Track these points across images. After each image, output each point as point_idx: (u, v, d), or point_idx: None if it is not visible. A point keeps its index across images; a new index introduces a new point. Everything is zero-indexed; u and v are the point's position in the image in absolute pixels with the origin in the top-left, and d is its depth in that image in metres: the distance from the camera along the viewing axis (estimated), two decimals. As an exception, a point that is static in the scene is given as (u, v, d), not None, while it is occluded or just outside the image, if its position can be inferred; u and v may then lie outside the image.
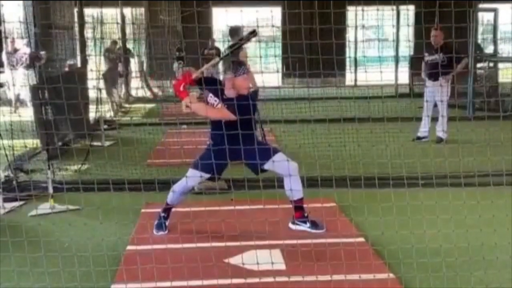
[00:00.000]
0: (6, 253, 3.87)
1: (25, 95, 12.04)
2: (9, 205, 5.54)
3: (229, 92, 4.56)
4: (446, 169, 4.41)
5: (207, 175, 4.63)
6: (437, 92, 7.39)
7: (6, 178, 6.12)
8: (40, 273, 3.75)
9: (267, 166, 4.58)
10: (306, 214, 4.75)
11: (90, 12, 11.22)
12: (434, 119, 7.36)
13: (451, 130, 4.33)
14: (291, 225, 4.78)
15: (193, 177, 4.60)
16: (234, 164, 4.66)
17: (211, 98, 4.59)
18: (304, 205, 4.75)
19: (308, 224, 4.72)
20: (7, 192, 5.71)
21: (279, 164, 4.51)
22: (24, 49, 11.73)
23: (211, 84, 4.61)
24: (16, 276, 3.72)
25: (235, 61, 4.87)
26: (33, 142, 7.61)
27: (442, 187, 4.34)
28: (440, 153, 4.43)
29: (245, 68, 4.56)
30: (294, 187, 4.55)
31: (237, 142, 4.12)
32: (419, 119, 5.14)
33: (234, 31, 7.46)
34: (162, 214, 4.80)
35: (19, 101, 12.11)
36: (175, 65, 12.72)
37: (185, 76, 4.49)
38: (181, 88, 4.45)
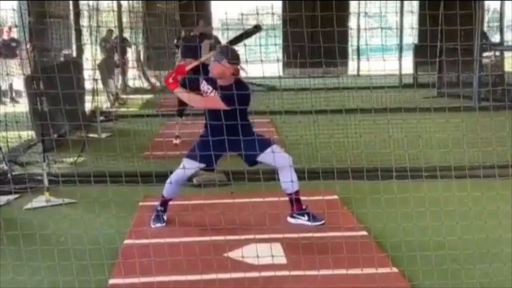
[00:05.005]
0: (1, 247, 3.80)
1: (6, 85, 12.08)
2: (4, 198, 5.47)
3: (221, 80, 4.45)
4: (451, 161, 4.34)
5: (203, 165, 4.54)
6: None
7: (0, 171, 6.03)
8: (35, 267, 3.69)
9: (261, 158, 4.50)
10: (304, 207, 4.67)
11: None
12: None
13: (455, 120, 4.25)
14: (289, 219, 4.70)
15: (189, 168, 4.50)
16: (230, 156, 4.58)
17: (204, 85, 4.51)
18: (302, 198, 4.67)
19: (306, 217, 4.64)
20: (2, 185, 5.65)
21: (277, 156, 4.43)
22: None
23: (206, 71, 4.51)
24: (11, 270, 3.66)
25: (222, 46, 4.74)
26: (28, 134, 7.52)
27: (446, 179, 4.28)
28: (444, 144, 4.35)
29: (221, 56, 4.37)
30: (293, 179, 4.48)
31: (234, 132, 4.04)
32: (423, 110, 5.07)
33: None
34: (159, 208, 4.72)
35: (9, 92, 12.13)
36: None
37: (177, 68, 4.47)
38: (170, 80, 4.40)
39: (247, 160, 4.59)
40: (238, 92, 4.22)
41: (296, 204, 4.66)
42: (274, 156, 4.42)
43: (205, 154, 4.30)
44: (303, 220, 4.64)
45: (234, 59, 4.42)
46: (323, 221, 4.58)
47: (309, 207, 4.67)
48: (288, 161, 4.51)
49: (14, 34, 12.45)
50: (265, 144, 4.51)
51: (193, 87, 4.50)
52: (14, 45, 12.21)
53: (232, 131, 4.07)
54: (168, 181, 4.59)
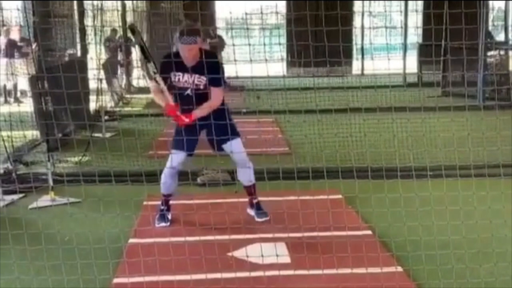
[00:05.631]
0: (6, 246, 3.81)
1: (11, 85, 12.13)
2: (9, 198, 5.48)
3: (192, 61, 4.34)
4: (455, 160, 4.33)
5: (180, 152, 4.48)
6: None
7: (5, 170, 6.05)
8: (40, 266, 3.70)
9: (226, 146, 4.48)
10: (255, 201, 4.76)
11: (90, -1, 11.10)
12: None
13: (460, 119, 4.25)
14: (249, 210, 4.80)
15: (177, 160, 4.50)
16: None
17: (182, 77, 4.34)
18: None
19: (253, 211, 4.75)
20: (7, 184, 5.64)
21: (239, 149, 4.48)
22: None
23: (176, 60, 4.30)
24: (16, 269, 3.66)
25: (185, 25, 4.44)
26: (33, 134, 7.53)
27: (451, 178, 4.26)
28: (449, 143, 4.34)
29: (195, 36, 4.22)
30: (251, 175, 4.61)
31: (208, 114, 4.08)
32: (427, 109, 5.06)
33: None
34: (162, 207, 4.73)
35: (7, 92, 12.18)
36: None
37: (169, 111, 4.36)
38: (185, 120, 4.33)
39: (213, 145, 4.53)
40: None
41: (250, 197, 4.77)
42: (239, 153, 4.48)
43: (183, 141, 4.29)
44: (252, 212, 4.76)
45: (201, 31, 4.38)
46: (268, 217, 4.67)
47: (258, 202, 4.76)
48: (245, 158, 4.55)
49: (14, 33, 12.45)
50: (234, 132, 4.50)
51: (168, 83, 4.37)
52: (22, 44, 12.20)
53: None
54: (162, 181, 4.59)
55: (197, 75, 4.33)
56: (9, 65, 11.22)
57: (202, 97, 4.31)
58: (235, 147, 4.48)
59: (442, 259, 3.66)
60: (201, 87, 4.37)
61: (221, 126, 4.24)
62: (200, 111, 4.35)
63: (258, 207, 4.76)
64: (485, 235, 3.75)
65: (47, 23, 7.83)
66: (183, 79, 4.37)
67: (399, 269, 3.77)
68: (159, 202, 4.80)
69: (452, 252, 3.65)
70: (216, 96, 4.38)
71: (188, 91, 4.37)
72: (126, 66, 14.19)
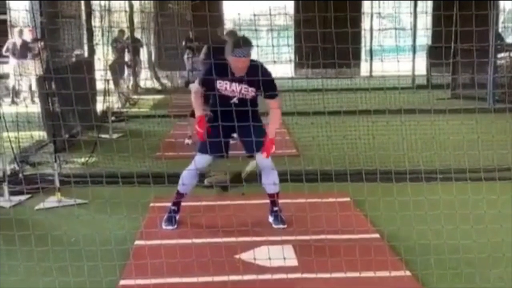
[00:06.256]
0: (13, 247, 3.80)
1: (21, 86, 12.12)
2: (16, 199, 5.47)
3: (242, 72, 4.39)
4: (465, 163, 4.29)
5: (207, 156, 4.51)
6: None
7: (12, 171, 6.04)
8: (47, 267, 3.69)
9: (258, 155, 4.48)
10: (276, 209, 4.70)
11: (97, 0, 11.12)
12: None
13: (470, 122, 4.21)
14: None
15: (201, 162, 4.53)
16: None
17: (230, 85, 4.40)
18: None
19: (272, 218, 4.69)
20: (13, 185, 5.64)
21: (268, 159, 4.49)
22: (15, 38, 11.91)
23: (223, 68, 4.36)
24: (23, 271, 3.66)
25: (238, 39, 4.50)
26: (40, 134, 7.54)
27: (460, 181, 4.22)
28: (458, 146, 4.30)
29: (248, 49, 4.28)
30: (275, 181, 4.56)
31: (244, 115, 4.07)
32: (437, 111, 5.02)
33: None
34: (173, 208, 4.70)
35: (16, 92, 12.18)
36: (185, 56, 12.60)
37: (201, 123, 4.45)
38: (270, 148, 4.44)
39: (248, 149, 4.54)
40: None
41: (271, 204, 4.72)
42: (266, 159, 4.49)
43: (215, 145, 4.31)
44: (270, 220, 4.70)
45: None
46: (285, 226, 4.60)
47: (280, 211, 4.70)
48: (271, 164, 4.56)
49: (26, 34, 12.47)
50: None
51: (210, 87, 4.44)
52: (32, 46, 12.16)
53: (243, 114, 4.12)
54: (181, 181, 4.58)
55: (244, 85, 4.38)
56: (17, 66, 11.23)
57: (247, 105, 4.36)
58: (263, 159, 4.51)
59: (452, 263, 3.62)
60: (247, 97, 4.43)
61: (255, 132, 4.26)
62: (273, 126, 4.53)
63: (276, 216, 4.70)
64: (495, 239, 3.70)
65: (55, 24, 7.84)
66: (230, 87, 4.42)
67: (408, 273, 3.73)
68: (166, 204, 4.77)
69: (461, 256, 3.62)
70: (277, 107, 4.50)
71: (235, 100, 4.42)
72: (134, 67, 14.21)
